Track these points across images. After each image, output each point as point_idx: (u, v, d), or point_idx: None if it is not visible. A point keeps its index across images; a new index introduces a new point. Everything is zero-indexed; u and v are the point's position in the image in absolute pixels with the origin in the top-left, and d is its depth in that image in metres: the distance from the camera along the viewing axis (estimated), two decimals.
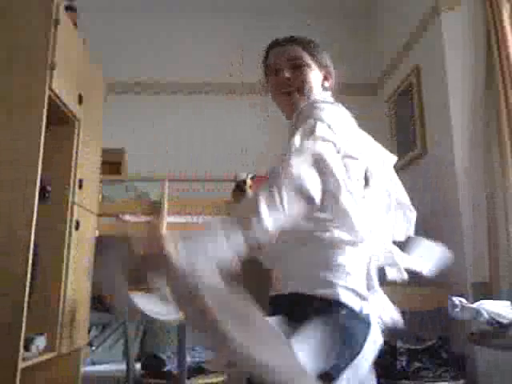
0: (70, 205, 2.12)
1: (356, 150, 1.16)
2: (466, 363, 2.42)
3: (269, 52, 1.33)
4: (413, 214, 1.28)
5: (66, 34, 2.00)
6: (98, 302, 2.89)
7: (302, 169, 1.00)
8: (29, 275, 1.69)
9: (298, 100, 1.25)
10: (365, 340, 1.04)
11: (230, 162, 3.55)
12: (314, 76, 1.28)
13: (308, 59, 1.27)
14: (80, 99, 2.19)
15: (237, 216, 0.96)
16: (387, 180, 1.26)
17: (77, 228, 2.15)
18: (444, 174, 2.82)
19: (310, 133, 1.07)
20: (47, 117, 1.84)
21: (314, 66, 1.28)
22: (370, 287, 1.09)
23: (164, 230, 1.11)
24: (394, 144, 3.55)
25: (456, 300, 1.85)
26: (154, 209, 3.00)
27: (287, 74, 1.26)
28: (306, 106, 1.20)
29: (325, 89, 1.30)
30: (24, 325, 1.66)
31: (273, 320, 1.03)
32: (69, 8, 2.19)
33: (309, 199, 1.00)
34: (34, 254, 1.76)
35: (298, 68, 1.27)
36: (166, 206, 2.98)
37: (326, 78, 1.32)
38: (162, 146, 3.83)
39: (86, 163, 2.30)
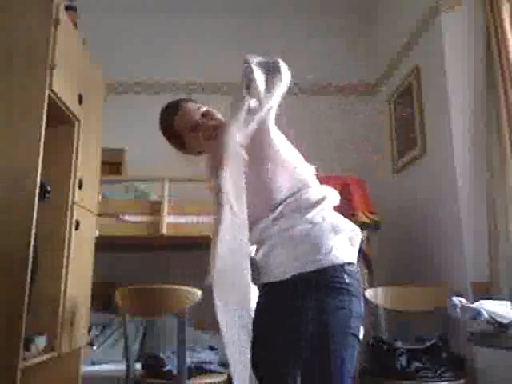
0: (70, 205, 2.12)
1: None
2: (466, 363, 2.42)
3: (172, 119, 1.55)
4: None
5: (65, 33, 2.00)
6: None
7: None
8: (29, 275, 1.70)
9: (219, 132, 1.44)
10: None
11: None
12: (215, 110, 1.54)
13: (202, 105, 1.54)
14: (80, 99, 2.19)
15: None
16: None
17: (77, 228, 2.15)
18: (444, 174, 2.82)
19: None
20: (47, 117, 1.83)
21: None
22: None
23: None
24: (393, 144, 3.56)
25: (456, 300, 1.85)
26: (154, 209, 3.00)
27: (211, 122, 1.49)
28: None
29: None
30: (24, 325, 1.66)
31: None
32: (69, 8, 2.19)
33: None
34: (34, 254, 1.76)
35: (206, 113, 1.51)
36: (165, 206, 2.98)
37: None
38: (162, 145, 3.81)
39: (86, 163, 2.30)
